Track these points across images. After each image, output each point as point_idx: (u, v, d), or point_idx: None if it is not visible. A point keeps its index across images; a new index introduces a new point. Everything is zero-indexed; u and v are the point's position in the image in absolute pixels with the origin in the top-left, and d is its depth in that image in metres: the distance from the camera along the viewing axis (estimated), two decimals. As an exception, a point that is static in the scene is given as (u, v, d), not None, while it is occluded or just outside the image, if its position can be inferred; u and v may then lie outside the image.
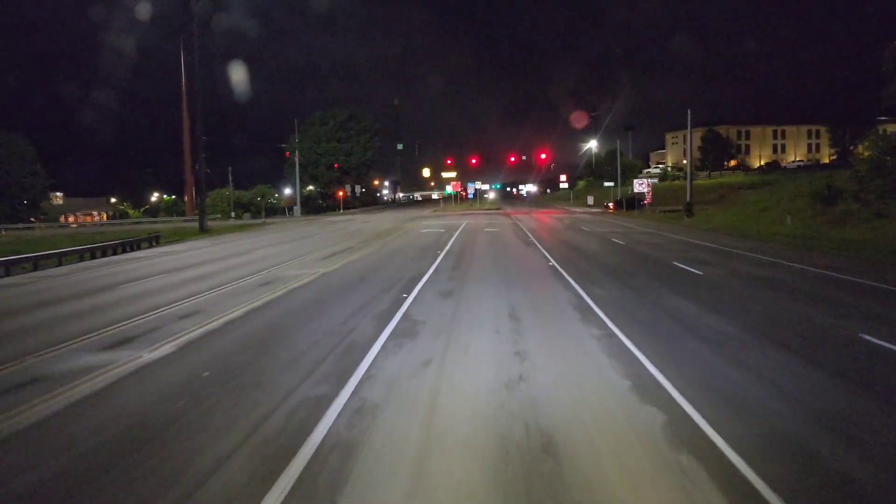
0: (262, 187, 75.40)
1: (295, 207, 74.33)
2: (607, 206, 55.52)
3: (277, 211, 72.50)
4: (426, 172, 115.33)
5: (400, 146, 62.82)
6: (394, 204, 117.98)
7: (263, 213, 63.60)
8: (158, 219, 66.92)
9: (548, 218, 42.12)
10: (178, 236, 35.53)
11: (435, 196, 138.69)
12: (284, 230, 37.75)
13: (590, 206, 66.46)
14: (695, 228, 31.25)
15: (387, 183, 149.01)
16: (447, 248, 20.41)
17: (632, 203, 51.76)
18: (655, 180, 52.24)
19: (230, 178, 71.25)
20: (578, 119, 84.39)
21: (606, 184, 66.55)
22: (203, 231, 41.22)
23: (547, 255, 17.52)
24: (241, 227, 44.74)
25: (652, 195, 55.75)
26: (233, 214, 67.13)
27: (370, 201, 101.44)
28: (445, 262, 16.11)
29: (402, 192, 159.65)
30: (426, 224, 36.42)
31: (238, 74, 68.32)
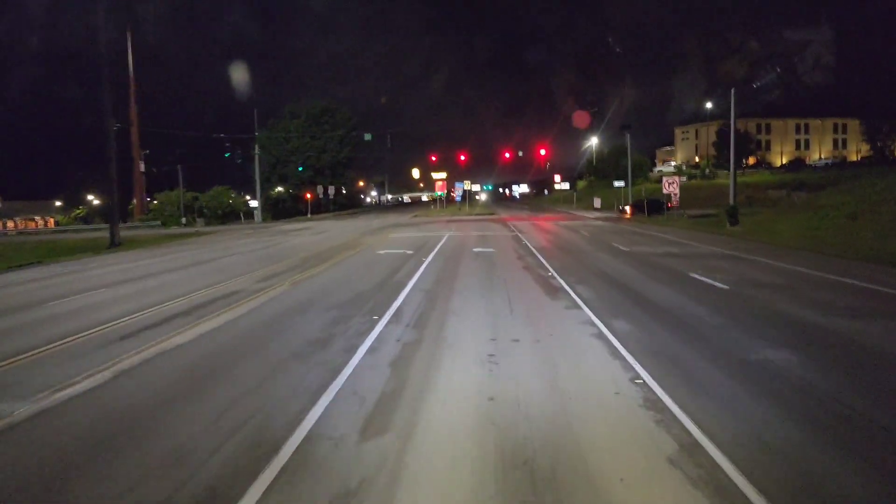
0: (220, 188, 65.53)
1: (255, 211, 64.62)
2: (622, 211, 46.23)
3: (233, 216, 62.56)
4: (416, 173, 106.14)
5: (368, 137, 53.22)
6: (377, 207, 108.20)
7: (196, 221, 53.72)
8: (90, 226, 57.10)
9: (555, 226, 32.71)
10: (59, 254, 26.02)
11: (425, 198, 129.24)
12: (205, 245, 28.11)
13: (597, 209, 57.24)
14: (765, 243, 21.94)
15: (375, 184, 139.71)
16: (402, 297, 10.86)
17: (655, 206, 42.54)
18: (685, 178, 43.03)
19: (180, 177, 61.34)
20: (576, 118, 75.53)
21: (616, 183, 57.38)
22: (114, 245, 32.06)
23: (605, 331, 8.00)
24: (166, 239, 35.10)
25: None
26: (184, 220, 57.52)
27: (349, 203, 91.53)
28: (371, 371, 6.55)
29: (389, 193, 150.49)
30: (395, 237, 26.86)
31: (236, 74, 62.20)
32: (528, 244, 21.30)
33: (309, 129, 77.03)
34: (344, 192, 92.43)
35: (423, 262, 16.25)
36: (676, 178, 36.33)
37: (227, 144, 43.84)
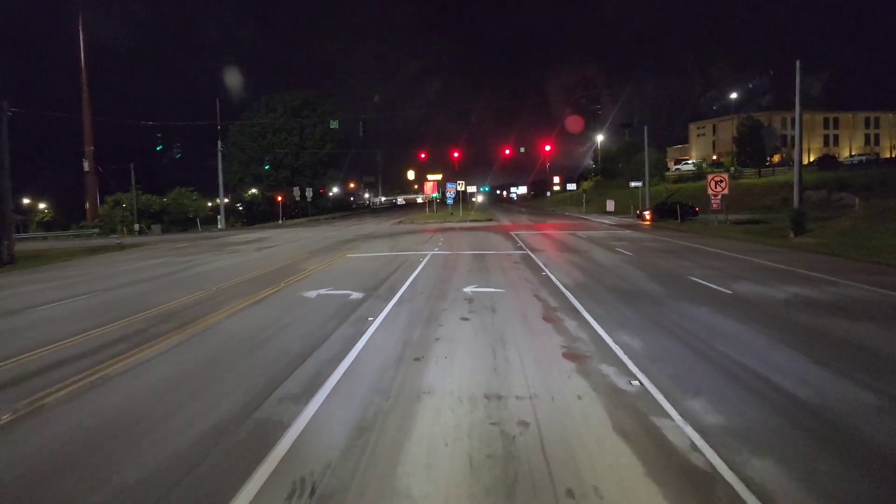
0: (181, 190, 57.67)
1: (219, 216, 56.81)
2: (642, 216, 38.78)
3: (191, 222, 54.73)
4: (411, 174, 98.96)
5: (334, 125, 45.40)
6: (366, 209, 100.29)
7: (151, 228, 45.94)
8: (27, 234, 49.20)
9: (576, 239, 25.00)
10: None
11: (420, 199, 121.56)
12: (100, 266, 20.40)
13: (611, 212, 49.68)
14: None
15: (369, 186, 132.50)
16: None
17: (685, 210, 35.12)
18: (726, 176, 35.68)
19: (132, 178, 53.33)
20: (569, 123, 68.77)
21: (633, 184, 49.84)
22: (1, 264, 24.70)
23: None
24: (78, 255, 27.43)
25: (692, 199, 39.39)
26: (137, 227, 49.86)
27: (332, 206, 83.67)
28: None
29: (383, 195, 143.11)
30: (354, 258, 19.16)
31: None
32: (552, 276, 13.59)
33: (286, 125, 69.21)
34: (331, 193, 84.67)
35: (366, 328, 8.56)
36: (725, 177, 28.80)
37: (159, 136, 35.65)
